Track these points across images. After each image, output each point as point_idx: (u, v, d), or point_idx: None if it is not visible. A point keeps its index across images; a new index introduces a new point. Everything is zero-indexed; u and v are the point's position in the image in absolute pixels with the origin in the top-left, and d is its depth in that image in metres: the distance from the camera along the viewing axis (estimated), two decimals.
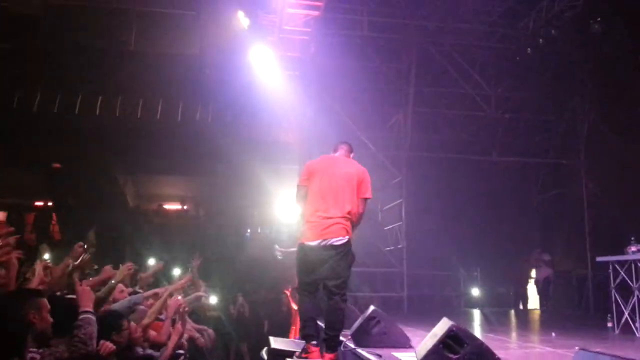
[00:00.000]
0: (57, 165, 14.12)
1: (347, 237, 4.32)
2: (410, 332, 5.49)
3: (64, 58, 12.45)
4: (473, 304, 11.94)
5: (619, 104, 10.36)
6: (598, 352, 2.00)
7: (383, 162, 11.39)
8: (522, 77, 10.99)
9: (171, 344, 4.30)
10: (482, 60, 11.21)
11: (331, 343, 4.32)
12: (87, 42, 12.86)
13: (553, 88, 11.11)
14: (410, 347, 4.96)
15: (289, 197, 11.58)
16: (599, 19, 9.56)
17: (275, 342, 5.54)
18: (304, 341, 4.77)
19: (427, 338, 3.93)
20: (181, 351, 4.39)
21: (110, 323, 3.58)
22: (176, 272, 9.76)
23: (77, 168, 13.24)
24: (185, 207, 15.38)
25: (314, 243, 4.26)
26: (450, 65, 10.87)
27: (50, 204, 14.85)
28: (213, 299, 9.07)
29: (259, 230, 13.69)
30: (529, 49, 10.34)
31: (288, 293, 10.17)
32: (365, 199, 4.45)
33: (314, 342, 4.37)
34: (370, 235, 11.29)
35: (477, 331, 7.51)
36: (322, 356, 4.28)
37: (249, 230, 13.56)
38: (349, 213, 4.34)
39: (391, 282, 11.04)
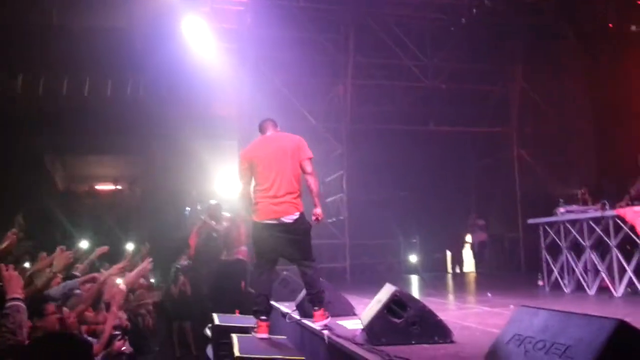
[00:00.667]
0: None
1: (297, 213, 4.44)
2: (354, 300, 5.58)
3: None
4: (412, 270, 12.31)
5: (548, 73, 10.80)
6: (538, 308, 2.05)
7: (324, 135, 11.37)
8: (457, 48, 11.19)
9: (107, 328, 4.11)
10: (418, 31, 11.30)
11: (315, 299, 4.43)
12: (6, 17, 11.91)
13: (487, 58, 11.40)
14: (355, 314, 5.02)
15: (228, 172, 11.42)
16: None
17: (219, 319, 5.48)
18: (250, 316, 4.75)
19: (372, 304, 3.98)
20: (117, 332, 4.20)
21: (33, 307, 3.36)
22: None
23: (1, 151, 12.38)
24: (118, 187, 14.79)
25: (267, 221, 4.34)
26: (387, 36, 10.89)
27: None
28: (152, 279, 8.87)
29: (198, 208, 13.39)
30: (463, 19, 10.50)
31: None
32: (309, 159, 4.50)
33: (263, 317, 4.44)
34: (312, 207, 11.32)
35: (417, 295, 7.73)
36: (312, 316, 4.43)
37: (188, 208, 13.23)
38: (296, 189, 4.43)
39: (334, 253, 11.16)
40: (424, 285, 9.61)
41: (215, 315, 5.73)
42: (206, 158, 11.66)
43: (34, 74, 12.46)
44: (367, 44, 11.09)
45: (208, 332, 6.27)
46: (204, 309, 9.06)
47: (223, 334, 4.87)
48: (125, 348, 4.70)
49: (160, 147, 12.74)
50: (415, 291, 8.28)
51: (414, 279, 10.96)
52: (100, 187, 14.89)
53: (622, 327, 1.63)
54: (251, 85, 10.35)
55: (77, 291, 4.54)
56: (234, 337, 4.21)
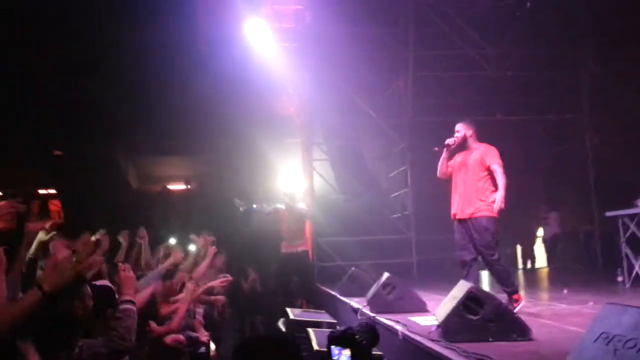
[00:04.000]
0: (59, 152, 14.09)
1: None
2: (424, 297, 5.56)
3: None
4: (481, 265, 12.02)
5: (621, 55, 10.19)
6: (626, 305, 2.00)
7: (385, 130, 11.34)
8: (522, 33, 10.80)
9: (181, 312, 4.23)
10: (480, 18, 11.00)
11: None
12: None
13: (554, 42, 10.93)
14: (427, 310, 5.02)
15: (292, 170, 11.62)
16: None
17: (294, 313, 5.63)
18: (322, 311, 4.93)
19: (446, 301, 3.97)
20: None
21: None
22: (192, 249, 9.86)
23: (78, 154, 13.20)
24: (189, 187, 15.40)
25: None
26: (448, 26, 10.68)
27: (53, 191, 14.86)
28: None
29: (264, 205, 13.72)
30: (528, 3, 10.12)
31: None
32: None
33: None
34: (377, 203, 11.33)
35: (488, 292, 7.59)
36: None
37: (254, 206, 13.59)
38: None
39: (399, 248, 11.11)
40: (495, 282, 9.38)
41: (289, 310, 5.89)
42: (270, 156, 11.93)
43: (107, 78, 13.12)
44: (427, 35, 10.91)
45: (282, 326, 6.44)
46: (272, 303, 9.32)
47: (298, 328, 5.00)
48: (206, 337, 4.94)
49: (227, 147, 13.14)
50: (485, 287, 8.11)
51: (484, 275, 10.73)
52: (171, 186, 15.55)
53: None
54: (312, 83, 10.48)
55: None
56: (311, 331, 4.32)
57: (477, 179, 4.96)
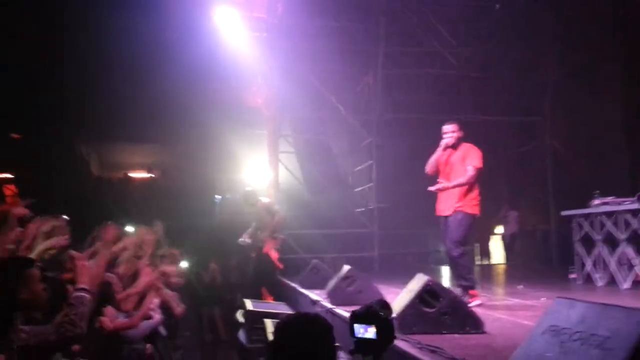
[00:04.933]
0: (16, 135, 13.62)
1: None
2: (384, 290, 5.61)
3: None
4: (441, 261, 12.24)
5: (584, 63, 10.50)
6: (574, 299, 2.06)
7: (353, 125, 11.38)
8: (490, 35, 11.01)
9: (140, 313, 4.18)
10: (451, 18, 11.13)
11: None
12: None
13: (520, 46, 11.17)
14: None
15: (258, 161, 11.54)
16: None
17: (252, 305, 5.60)
18: (281, 302, 4.91)
19: (403, 293, 4.02)
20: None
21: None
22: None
23: (37, 138, 12.79)
24: (152, 175, 15.13)
25: None
26: (419, 23, 10.78)
27: (9, 175, 14.35)
28: (183, 265, 9.05)
29: (227, 196, 13.61)
30: (497, 5, 10.30)
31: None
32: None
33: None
34: (341, 197, 11.37)
35: (446, 286, 7.73)
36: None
37: (218, 196, 13.46)
38: None
39: (362, 242, 11.20)
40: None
41: (247, 301, 5.85)
42: (236, 147, 11.82)
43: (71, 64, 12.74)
44: (398, 32, 11.00)
45: (240, 317, 6.40)
46: (233, 295, 9.27)
47: (256, 319, 4.98)
48: (161, 329, 4.85)
49: (192, 136, 12.96)
50: (444, 282, 8.26)
51: (444, 270, 10.91)
52: (134, 174, 15.24)
53: None
54: (281, 75, 10.41)
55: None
56: (267, 322, 4.31)
57: (461, 177, 5.13)
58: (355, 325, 2.09)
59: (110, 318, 3.84)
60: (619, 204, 6.44)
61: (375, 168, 11.18)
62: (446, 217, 5.15)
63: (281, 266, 7.64)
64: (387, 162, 11.17)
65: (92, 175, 14.71)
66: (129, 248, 4.78)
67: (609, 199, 6.64)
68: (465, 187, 5.08)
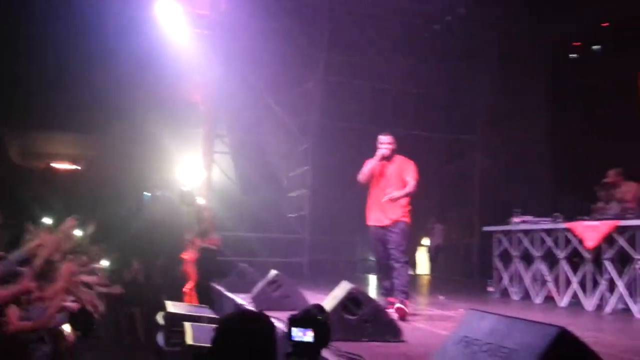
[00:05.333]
0: None
1: None
2: (311, 296, 5.60)
3: None
4: (370, 269, 12.44)
5: (516, 87, 11.07)
6: (485, 311, 2.13)
7: (291, 129, 11.36)
8: (430, 54, 11.34)
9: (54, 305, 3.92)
10: (392, 34, 11.39)
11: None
12: None
13: (456, 66, 11.59)
14: None
15: (192, 160, 11.25)
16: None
17: (173, 307, 5.42)
18: (204, 305, 4.78)
19: (327, 300, 4.02)
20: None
21: None
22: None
23: None
24: (77, 167, 14.39)
25: None
26: (361, 36, 10.95)
27: None
28: (104, 263, 8.69)
29: (158, 194, 13.18)
30: (437, 26, 10.64)
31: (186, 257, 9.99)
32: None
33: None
34: (275, 201, 11.31)
35: (372, 295, 7.85)
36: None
37: (147, 193, 12.98)
38: None
39: (294, 247, 11.18)
40: (379, 285, 9.73)
41: (168, 303, 5.66)
42: (169, 144, 11.46)
43: None
44: (342, 41, 11.12)
45: (160, 319, 6.19)
46: (156, 296, 8.95)
47: (176, 322, 4.82)
48: (68, 334, 4.57)
49: (123, 129, 12.43)
50: (371, 290, 8.38)
51: (372, 278, 11.08)
52: (57, 165, 14.44)
53: (563, 334, 1.71)
54: (220, 73, 10.23)
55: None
56: (187, 325, 4.18)
57: (397, 190, 5.18)
58: (294, 329, 2.08)
59: (14, 318, 3.58)
60: (536, 222, 6.80)
61: (310, 174, 11.20)
62: (383, 227, 5.17)
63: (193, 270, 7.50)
64: (323, 168, 11.23)
65: (10, 163, 13.80)
66: (46, 245, 4.49)
67: (527, 217, 6.99)
68: (406, 199, 5.21)
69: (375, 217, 5.27)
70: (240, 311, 2.26)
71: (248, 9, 10.11)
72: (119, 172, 12.21)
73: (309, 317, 2.15)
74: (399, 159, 5.35)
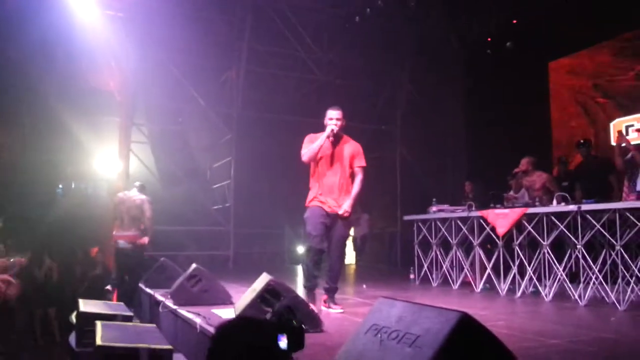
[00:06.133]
0: None
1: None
2: (234, 289, 5.53)
3: None
4: (297, 260, 12.48)
5: (433, 79, 11.43)
6: (395, 299, 2.15)
7: (214, 119, 11.11)
8: (351, 45, 11.45)
9: None
10: (314, 23, 11.38)
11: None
12: None
13: (378, 58, 11.79)
14: (231, 303, 4.97)
15: (108, 151, 10.74)
16: None
17: (85, 305, 5.13)
18: (120, 303, 4.53)
19: (247, 293, 3.97)
20: None
21: None
22: None
23: None
24: None
25: None
26: (283, 24, 10.86)
27: None
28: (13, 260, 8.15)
29: (72, 186, 12.49)
30: (357, 17, 10.75)
31: (94, 252, 9.58)
32: None
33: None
34: (198, 193, 11.03)
35: (299, 285, 7.86)
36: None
37: (60, 186, 12.26)
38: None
39: (218, 240, 10.99)
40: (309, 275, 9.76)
41: (80, 301, 5.36)
42: (83, 133, 10.85)
43: None
44: (264, 30, 10.98)
45: (74, 319, 5.87)
46: (74, 294, 8.50)
47: (88, 321, 4.56)
48: None
49: (32, 117, 11.62)
50: (298, 281, 8.39)
51: (299, 270, 11.11)
52: None
53: (465, 319, 1.76)
54: (137, 60, 9.77)
55: None
56: (98, 324, 3.95)
57: (348, 175, 4.85)
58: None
59: None
60: (452, 211, 7.07)
61: (234, 165, 11.02)
62: (335, 213, 4.72)
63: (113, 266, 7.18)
64: (246, 159, 11.09)
65: None
66: None
67: (444, 206, 7.26)
68: (350, 186, 4.85)
69: (329, 202, 4.74)
70: (242, 318, 2.03)
71: None
72: (30, 164, 11.42)
73: (283, 322, 2.05)
74: (347, 139, 4.94)
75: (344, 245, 4.97)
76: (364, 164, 4.90)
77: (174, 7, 9.82)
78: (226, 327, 1.82)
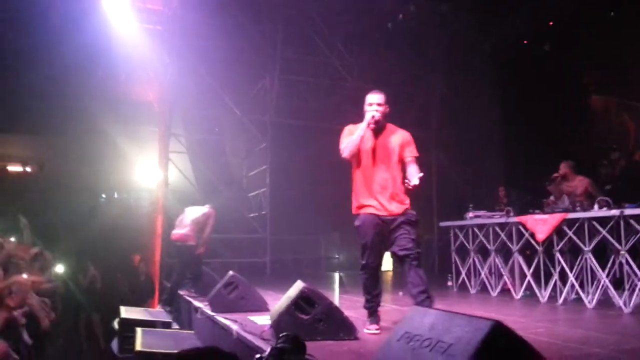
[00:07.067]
0: None
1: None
2: (271, 296, 5.58)
3: None
4: (334, 267, 12.46)
5: (468, 82, 11.27)
6: (428, 307, 2.14)
7: (249, 127, 11.26)
8: (384, 50, 11.41)
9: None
10: (345, 31, 11.40)
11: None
12: None
13: (411, 63, 11.71)
14: (267, 310, 5.02)
15: (148, 160, 11.01)
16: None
17: (126, 312, 5.30)
18: (161, 310, 4.66)
19: (282, 301, 4.00)
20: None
21: None
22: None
23: None
24: (28, 169, 13.87)
25: None
26: (314, 33, 10.93)
27: None
28: (60, 268, 8.47)
29: (115, 196, 12.87)
30: (389, 23, 10.71)
31: (136, 260, 9.80)
32: None
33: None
34: (235, 201, 11.19)
35: (335, 293, 7.87)
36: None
37: (103, 195, 12.66)
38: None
39: (255, 247, 11.10)
40: (342, 283, 9.76)
41: (122, 308, 5.54)
42: (124, 144, 11.19)
43: None
44: (296, 38, 11.08)
45: (116, 325, 6.05)
46: (116, 301, 8.75)
47: (128, 327, 4.71)
48: (25, 337, 4.42)
49: (74, 129, 12.06)
50: (335, 288, 8.41)
51: (335, 277, 11.10)
52: (8, 167, 13.89)
53: (498, 328, 1.74)
54: (175, 71, 10.02)
55: None
56: (139, 330, 4.08)
57: (399, 169, 4.08)
58: None
59: None
60: (490, 217, 6.94)
61: (269, 173, 11.14)
62: (395, 217, 4.05)
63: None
64: (281, 167, 11.17)
65: None
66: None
67: (481, 212, 7.13)
68: (403, 181, 4.04)
69: (383, 204, 4.05)
70: (194, 349, 1.98)
71: (201, 5, 9.92)
72: (72, 173, 11.85)
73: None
74: (393, 127, 4.21)
75: (418, 244, 4.16)
76: (416, 153, 4.10)
77: (209, 19, 10.03)
78: (185, 357, 1.80)
